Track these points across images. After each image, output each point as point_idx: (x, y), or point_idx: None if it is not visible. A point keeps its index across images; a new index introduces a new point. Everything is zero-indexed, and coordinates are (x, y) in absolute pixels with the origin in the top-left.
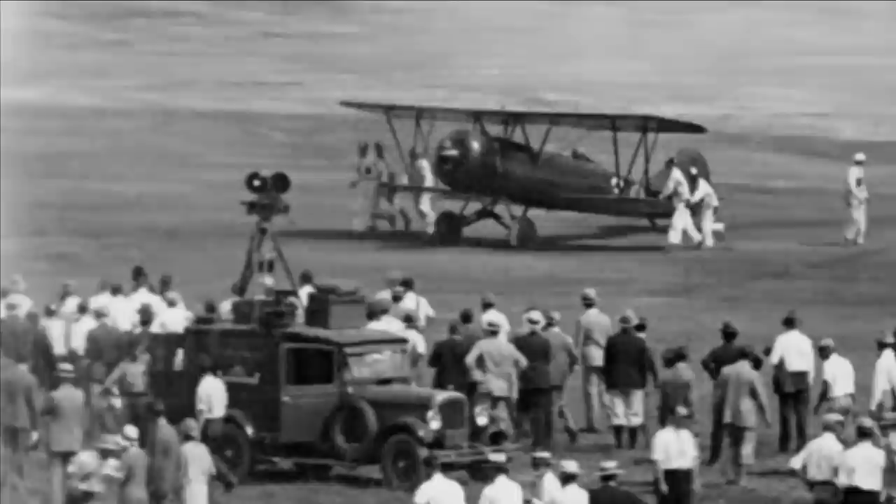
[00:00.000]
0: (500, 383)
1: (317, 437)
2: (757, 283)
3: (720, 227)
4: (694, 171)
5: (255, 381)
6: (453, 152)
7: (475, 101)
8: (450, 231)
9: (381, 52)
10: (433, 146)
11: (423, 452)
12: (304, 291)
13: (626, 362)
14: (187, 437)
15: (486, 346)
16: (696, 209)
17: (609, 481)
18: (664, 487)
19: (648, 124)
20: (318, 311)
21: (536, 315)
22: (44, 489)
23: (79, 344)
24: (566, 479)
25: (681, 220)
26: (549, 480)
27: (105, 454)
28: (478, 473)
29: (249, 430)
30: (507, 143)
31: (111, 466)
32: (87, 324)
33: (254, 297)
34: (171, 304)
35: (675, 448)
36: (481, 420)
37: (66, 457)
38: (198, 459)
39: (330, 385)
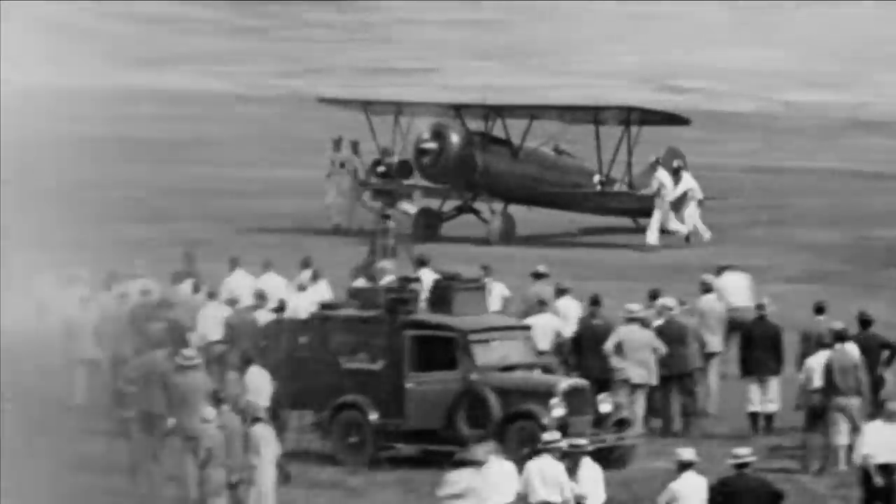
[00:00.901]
0: (638, 370)
1: (440, 423)
2: (893, 271)
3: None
4: (677, 164)
5: (379, 368)
6: (432, 145)
7: (608, 88)
8: (428, 227)
9: (517, 39)
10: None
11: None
12: (422, 275)
13: (761, 349)
14: (255, 420)
15: (624, 332)
16: (679, 203)
17: (743, 469)
18: (879, 480)
19: (631, 116)
20: (442, 297)
21: (671, 301)
22: (179, 475)
23: (208, 329)
24: (682, 466)
25: (658, 219)
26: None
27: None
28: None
29: (373, 417)
30: (487, 137)
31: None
32: (215, 309)
33: (378, 283)
34: (302, 288)
35: (886, 442)
36: (605, 407)
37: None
38: (266, 441)
39: (454, 372)
